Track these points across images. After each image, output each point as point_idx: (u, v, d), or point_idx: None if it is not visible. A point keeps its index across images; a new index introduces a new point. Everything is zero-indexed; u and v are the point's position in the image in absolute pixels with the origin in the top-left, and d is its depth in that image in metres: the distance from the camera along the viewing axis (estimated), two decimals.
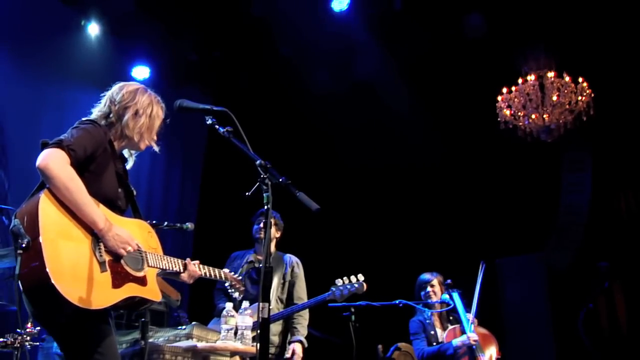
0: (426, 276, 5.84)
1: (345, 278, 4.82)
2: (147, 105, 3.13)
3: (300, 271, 5.32)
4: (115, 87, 3.18)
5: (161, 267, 3.13)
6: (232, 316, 4.14)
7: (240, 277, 3.84)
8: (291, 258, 5.35)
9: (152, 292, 3.01)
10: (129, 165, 3.26)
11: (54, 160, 2.72)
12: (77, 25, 7.57)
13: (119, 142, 3.11)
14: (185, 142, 8.81)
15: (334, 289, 4.78)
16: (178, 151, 8.81)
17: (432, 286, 5.75)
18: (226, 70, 8.66)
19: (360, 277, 4.81)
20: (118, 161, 3.12)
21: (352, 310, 4.99)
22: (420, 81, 8.28)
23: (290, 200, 2.86)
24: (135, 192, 3.23)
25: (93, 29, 7.65)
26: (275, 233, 5.32)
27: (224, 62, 8.54)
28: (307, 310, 5.10)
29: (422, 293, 5.76)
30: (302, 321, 5.10)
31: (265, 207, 2.73)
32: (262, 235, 5.23)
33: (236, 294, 3.81)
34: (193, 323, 4.33)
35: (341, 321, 5.00)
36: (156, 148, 3.22)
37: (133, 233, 2.99)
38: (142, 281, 2.97)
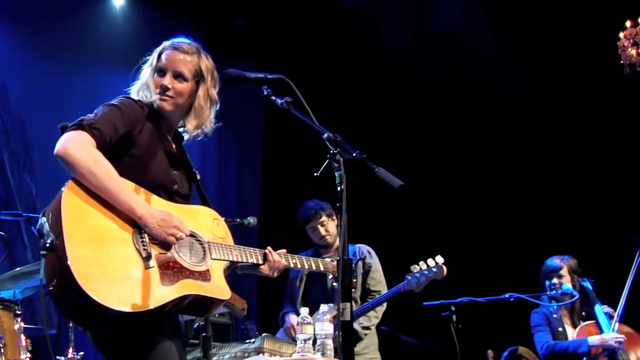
0: (554, 262, 5.70)
1: (421, 263, 4.83)
2: (157, 50, 3.18)
3: (374, 260, 5.41)
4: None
5: (230, 258, 3.14)
6: (309, 323, 4.19)
7: None
8: (361, 248, 5.44)
9: (218, 288, 3.00)
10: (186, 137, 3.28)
11: (73, 144, 2.77)
12: None
13: (159, 115, 3.14)
14: (240, 124, 8.94)
15: (409, 277, 4.82)
16: (232, 135, 8.94)
17: (561, 277, 5.63)
18: (280, 34, 8.73)
19: (439, 259, 4.81)
20: (166, 139, 3.15)
21: (453, 308, 4.96)
22: (517, 23, 8.13)
23: (366, 179, 2.89)
24: (199, 175, 3.28)
25: None
26: (335, 225, 5.44)
27: (277, 25, 8.61)
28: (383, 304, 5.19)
29: (548, 283, 5.66)
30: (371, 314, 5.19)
31: (339, 187, 2.72)
32: (328, 241, 5.43)
33: None
34: (263, 335, 4.43)
35: (440, 323, 5.00)
36: (162, 105, 3.12)
37: (192, 221, 3.03)
38: (203, 276, 2.96)
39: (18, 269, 4.88)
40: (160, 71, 3.14)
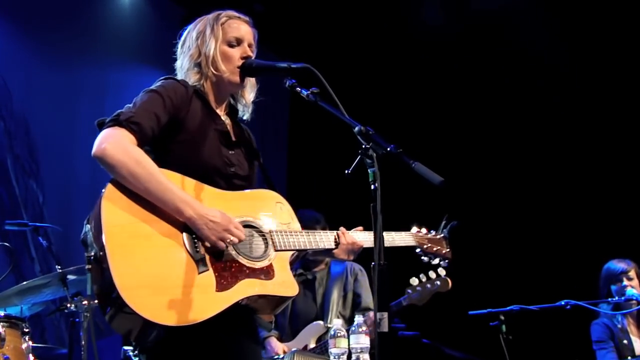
0: (619, 265, 5.67)
1: (422, 275, 4.87)
2: (210, 21, 3.21)
3: (364, 279, 5.59)
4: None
5: (296, 247, 3.10)
6: (343, 336, 4.17)
7: (442, 235, 3.78)
8: (352, 265, 5.60)
9: (282, 285, 2.96)
10: (245, 116, 3.34)
11: (111, 144, 2.77)
12: None
13: (214, 91, 3.20)
14: (262, 121, 8.93)
15: (409, 291, 4.88)
16: (255, 133, 8.96)
17: (630, 279, 5.58)
18: (303, 20, 8.74)
19: (442, 271, 4.84)
20: (217, 117, 3.17)
21: (502, 318, 4.97)
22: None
23: (398, 175, 2.86)
24: (260, 153, 3.29)
25: None
26: None
27: (299, 10, 8.62)
28: None
29: (615, 288, 5.61)
30: None
31: (372, 186, 2.68)
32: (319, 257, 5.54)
33: (436, 261, 3.75)
34: (293, 350, 4.43)
35: (488, 334, 4.99)
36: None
37: (251, 209, 3.03)
38: (265, 273, 2.94)
39: (25, 283, 4.90)
40: (236, 42, 3.22)
